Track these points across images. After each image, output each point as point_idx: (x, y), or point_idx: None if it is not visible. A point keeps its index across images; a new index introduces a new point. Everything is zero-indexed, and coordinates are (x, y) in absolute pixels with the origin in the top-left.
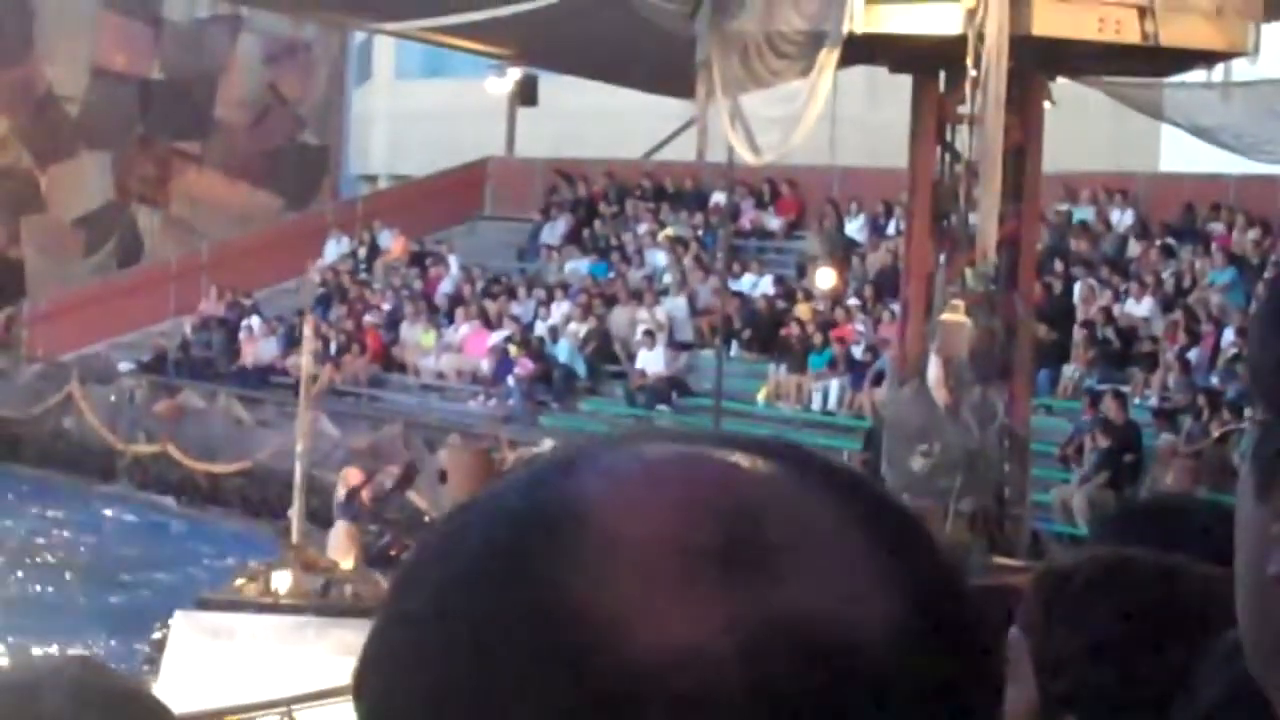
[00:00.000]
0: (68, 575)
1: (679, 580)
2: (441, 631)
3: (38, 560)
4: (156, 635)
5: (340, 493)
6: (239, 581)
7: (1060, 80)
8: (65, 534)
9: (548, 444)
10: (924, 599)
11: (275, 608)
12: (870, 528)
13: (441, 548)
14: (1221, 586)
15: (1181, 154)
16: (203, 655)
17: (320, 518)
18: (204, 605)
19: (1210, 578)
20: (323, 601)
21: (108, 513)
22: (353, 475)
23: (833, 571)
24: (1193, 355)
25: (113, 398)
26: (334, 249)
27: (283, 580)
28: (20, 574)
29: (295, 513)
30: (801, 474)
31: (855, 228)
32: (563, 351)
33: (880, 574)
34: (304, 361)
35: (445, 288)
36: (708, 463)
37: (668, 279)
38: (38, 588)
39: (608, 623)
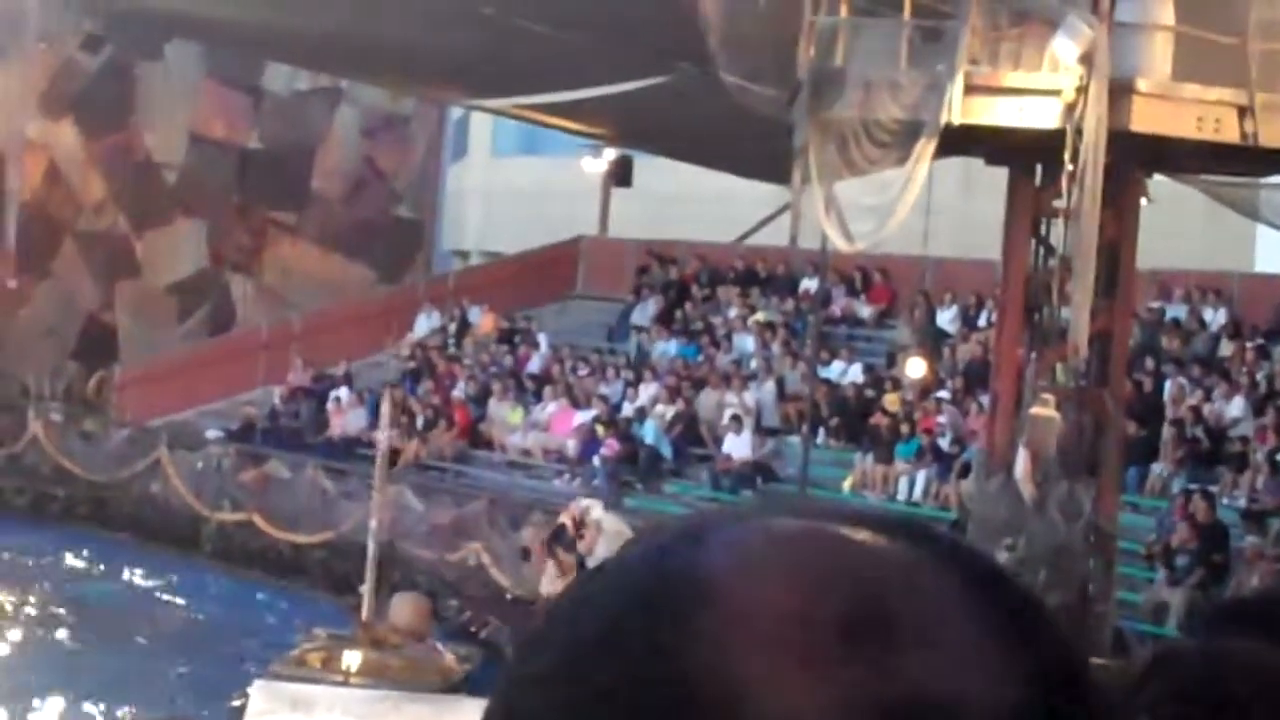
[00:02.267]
0: (149, 640)
1: (800, 655)
2: (567, 695)
3: (121, 625)
4: (235, 703)
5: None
6: (304, 649)
7: (1157, 177)
8: (148, 599)
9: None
10: (1044, 683)
11: (348, 684)
12: (993, 609)
13: (570, 613)
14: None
15: (1277, 254)
16: None
17: (401, 591)
18: (276, 676)
19: (1263, 663)
20: (398, 675)
21: (191, 579)
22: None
23: (953, 652)
24: None
25: (200, 465)
26: (424, 323)
27: (353, 658)
28: (103, 638)
29: (367, 589)
30: (926, 552)
31: (946, 318)
32: (649, 433)
33: (1001, 656)
34: (381, 436)
35: (534, 365)
36: (832, 538)
37: (756, 364)
38: (120, 653)
39: (729, 694)
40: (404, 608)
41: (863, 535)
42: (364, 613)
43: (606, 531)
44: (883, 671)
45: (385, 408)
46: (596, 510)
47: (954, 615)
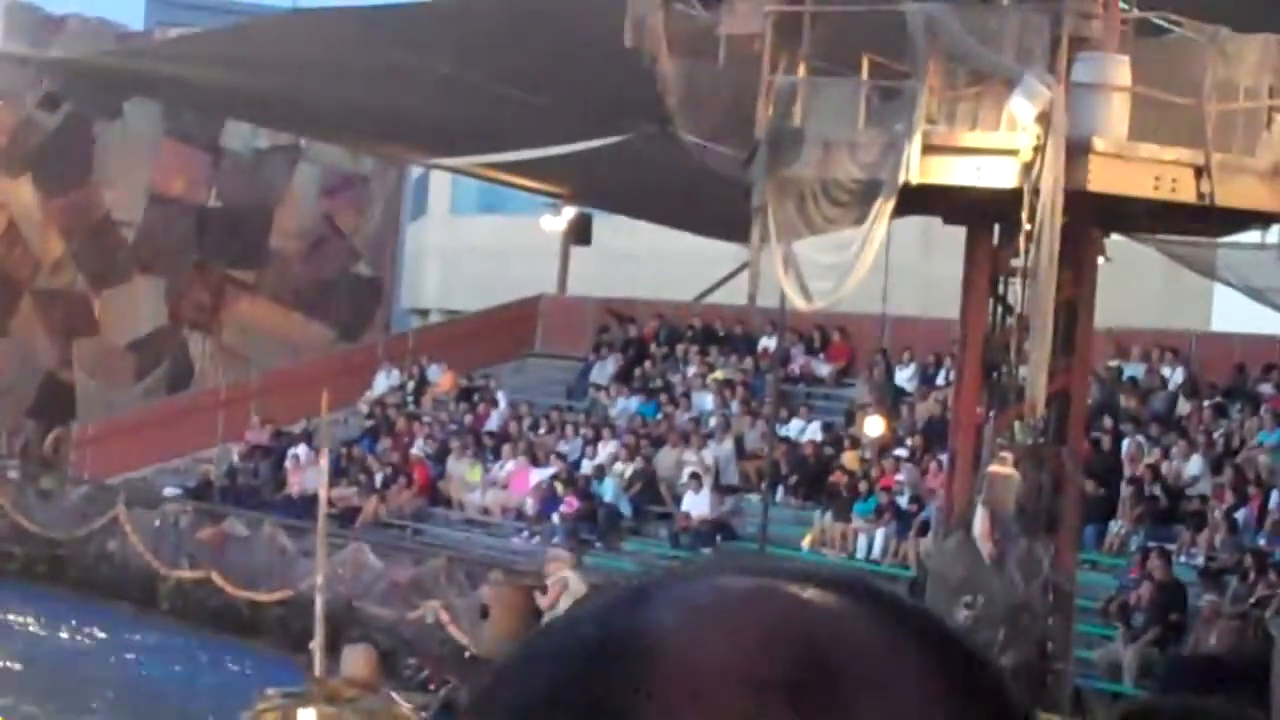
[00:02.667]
0: (107, 699)
1: (747, 715)
2: None
3: (78, 684)
4: None
5: None
6: (258, 709)
7: (1114, 236)
8: (106, 657)
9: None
10: None
11: None
12: (940, 665)
13: (517, 672)
14: None
15: (1234, 313)
16: None
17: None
18: None
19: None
20: None
21: (148, 638)
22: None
23: (899, 708)
24: (1240, 515)
25: (157, 522)
26: (383, 381)
27: (308, 716)
28: (59, 697)
29: (318, 644)
30: (872, 609)
31: (905, 377)
32: (608, 490)
33: (947, 712)
34: (321, 494)
35: (493, 423)
36: (779, 597)
37: (715, 422)
38: (77, 712)
39: None
40: (354, 659)
41: (810, 593)
42: (316, 669)
43: (572, 591)
44: None
45: (322, 464)
46: (565, 567)
47: (901, 674)
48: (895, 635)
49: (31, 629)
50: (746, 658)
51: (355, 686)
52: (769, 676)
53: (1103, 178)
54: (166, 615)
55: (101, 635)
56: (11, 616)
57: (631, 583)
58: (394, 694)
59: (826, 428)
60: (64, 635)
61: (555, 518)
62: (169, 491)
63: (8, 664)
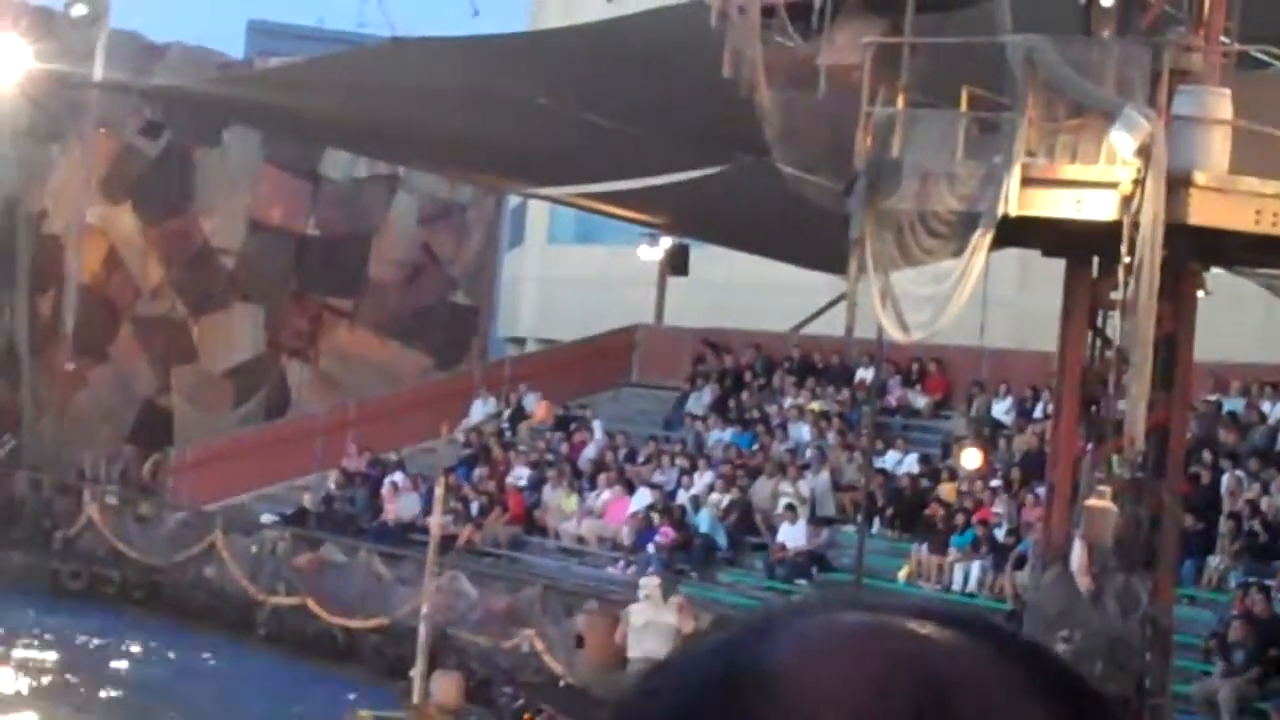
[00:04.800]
0: None
1: None
2: None
3: (174, 709)
4: None
5: None
6: None
7: (1214, 270)
8: (202, 683)
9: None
10: None
11: None
12: (1056, 703)
13: (638, 706)
14: None
15: None
16: None
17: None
18: None
19: None
20: None
21: (244, 664)
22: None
23: None
24: None
25: (254, 549)
26: (480, 410)
27: None
28: None
29: (418, 671)
30: (989, 646)
31: (1002, 409)
32: (704, 521)
33: None
34: (434, 521)
35: (589, 453)
36: (898, 635)
37: (811, 453)
38: None
39: None
40: (443, 686)
41: (928, 630)
42: (415, 695)
43: (631, 624)
44: None
45: (438, 490)
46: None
47: (1019, 709)
48: (1013, 671)
49: (128, 654)
50: (865, 695)
51: (445, 714)
52: (887, 713)
53: (1203, 211)
54: (262, 641)
55: (198, 661)
56: (108, 641)
57: (747, 618)
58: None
59: (923, 460)
60: (161, 660)
61: (650, 548)
62: (266, 518)
63: (103, 689)
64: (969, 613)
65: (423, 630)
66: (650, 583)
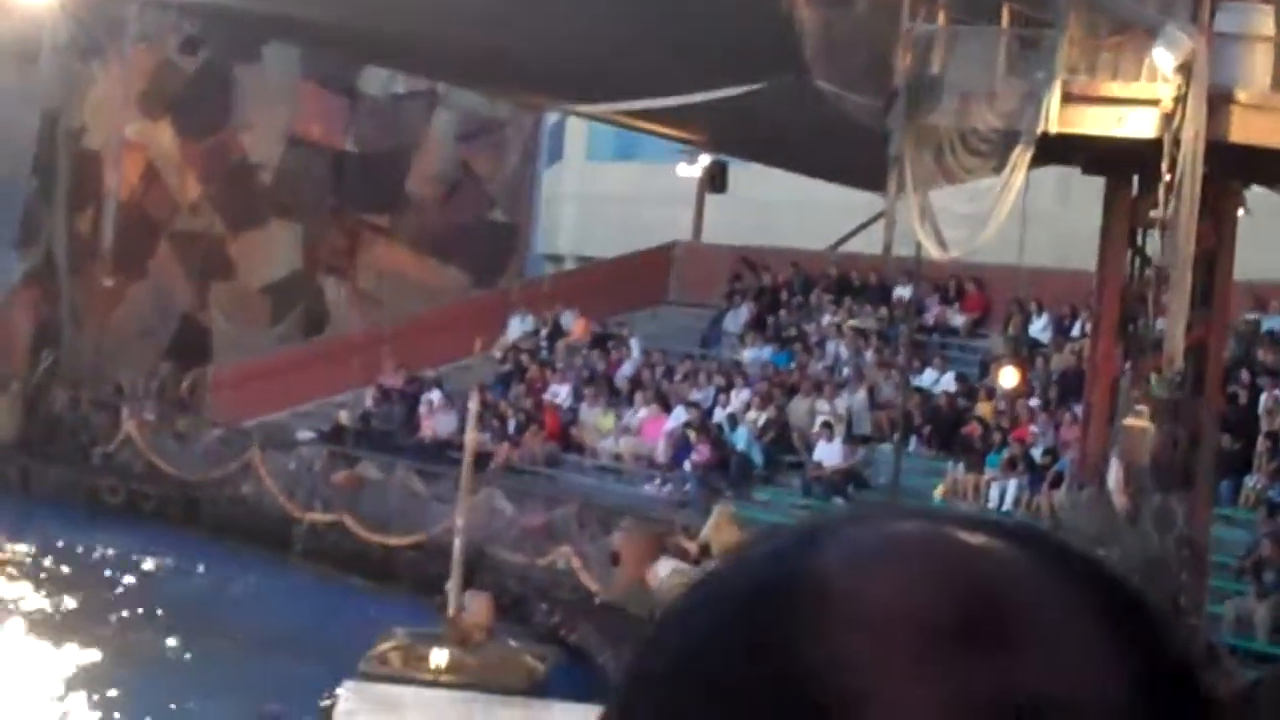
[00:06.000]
0: (239, 640)
1: (914, 657)
2: (681, 694)
3: (210, 624)
4: (324, 703)
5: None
6: (384, 647)
7: (1255, 188)
8: (239, 599)
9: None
10: (1159, 683)
11: (436, 684)
12: (1106, 612)
13: (686, 613)
14: None
15: None
16: None
17: (493, 592)
18: (364, 676)
19: None
20: (483, 674)
21: (281, 580)
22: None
23: (1066, 654)
24: None
25: (291, 466)
26: (517, 327)
27: (440, 656)
28: (193, 637)
29: (453, 587)
30: (1040, 556)
31: (1040, 328)
32: (740, 439)
33: (1114, 658)
34: (469, 438)
35: (626, 371)
36: (947, 541)
37: (848, 371)
38: (210, 652)
39: (843, 695)
40: (474, 605)
41: (979, 539)
42: (450, 610)
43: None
44: (997, 671)
45: (472, 407)
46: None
47: (1068, 616)
48: (1064, 581)
49: (166, 570)
50: (916, 601)
51: (479, 630)
52: (938, 619)
53: (1244, 129)
54: (299, 558)
55: (235, 578)
56: (145, 557)
57: (796, 527)
58: (511, 640)
59: (960, 378)
60: (198, 577)
61: (687, 465)
62: (303, 435)
63: (143, 604)
64: (1021, 524)
65: (457, 546)
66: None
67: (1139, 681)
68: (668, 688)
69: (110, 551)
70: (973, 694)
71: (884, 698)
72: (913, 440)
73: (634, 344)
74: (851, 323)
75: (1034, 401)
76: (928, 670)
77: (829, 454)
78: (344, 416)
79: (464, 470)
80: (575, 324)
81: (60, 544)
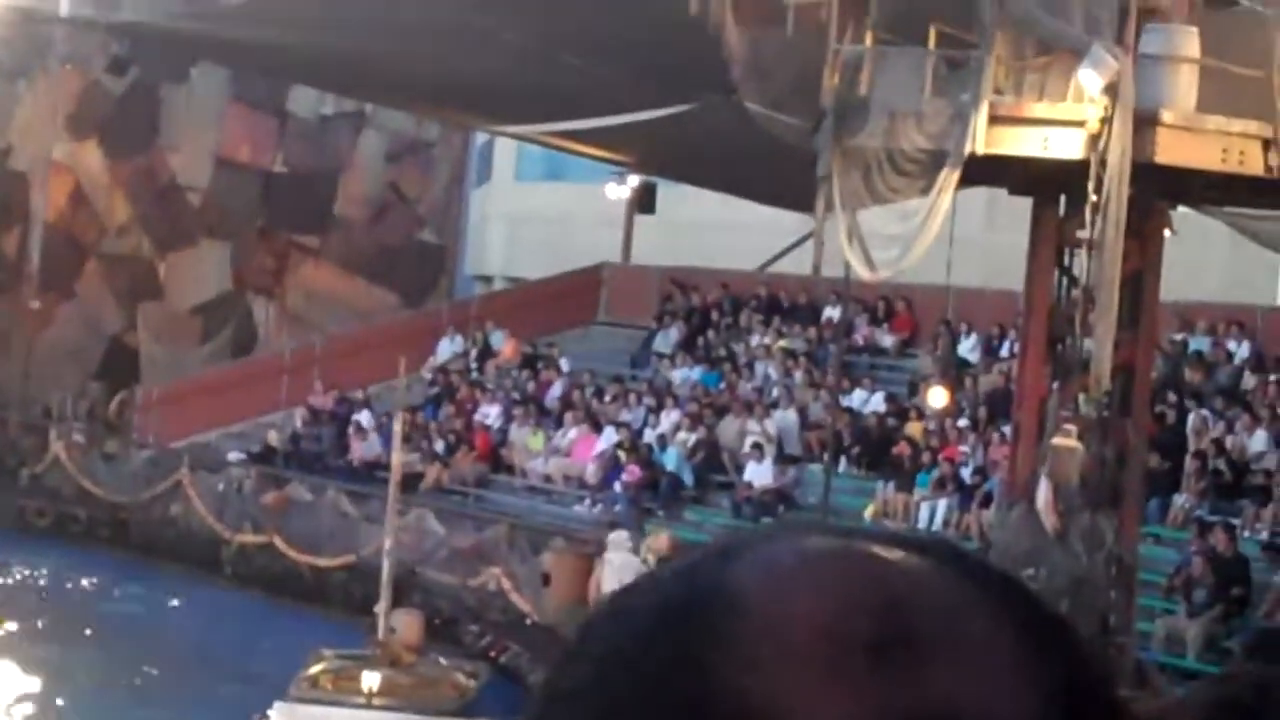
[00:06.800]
0: (169, 661)
1: (828, 670)
2: (598, 708)
3: (140, 646)
4: None
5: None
6: (314, 670)
7: (1181, 209)
8: (168, 620)
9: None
10: (1069, 700)
11: (368, 705)
12: (1019, 626)
13: (602, 629)
14: None
15: None
16: None
17: (424, 612)
18: (294, 699)
19: None
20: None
21: (211, 601)
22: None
23: (979, 668)
24: None
25: (221, 487)
26: (447, 348)
27: (372, 678)
28: (122, 659)
29: (382, 608)
30: (953, 570)
31: (968, 348)
32: (670, 459)
33: (1026, 673)
34: (395, 459)
35: (556, 391)
36: (861, 556)
37: (778, 392)
38: (139, 673)
39: (758, 709)
40: (404, 625)
41: (894, 554)
42: (380, 632)
43: (615, 566)
44: (910, 685)
45: (397, 428)
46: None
47: (979, 632)
48: (978, 598)
49: (96, 591)
50: (829, 615)
51: (408, 651)
52: (852, 633)
53: (1170, 150)
54: (229, 579)
55: (165, 598)
56: (75, 579)
57: (715, 543)
58: (441, 659)
59: (890, 398)
60: (127, 598)
61: (617, 486)
62: (233, 456)
63: (73, 625)
64: (936, 540)
65: (386, 567)
66: (619, 538)
67: (1052, 696)
68: (583, 703)
69: (39, 573)
70: (887, 708)
71: (799, 712)
72: (843, 460)
73: (564, 364)
74: (781, 343)
75: (963, 421)
76: (842, 684)
77: (759, 474)
78: (273, 437)
79: (390, 491)
80: (505, 345)
81: None
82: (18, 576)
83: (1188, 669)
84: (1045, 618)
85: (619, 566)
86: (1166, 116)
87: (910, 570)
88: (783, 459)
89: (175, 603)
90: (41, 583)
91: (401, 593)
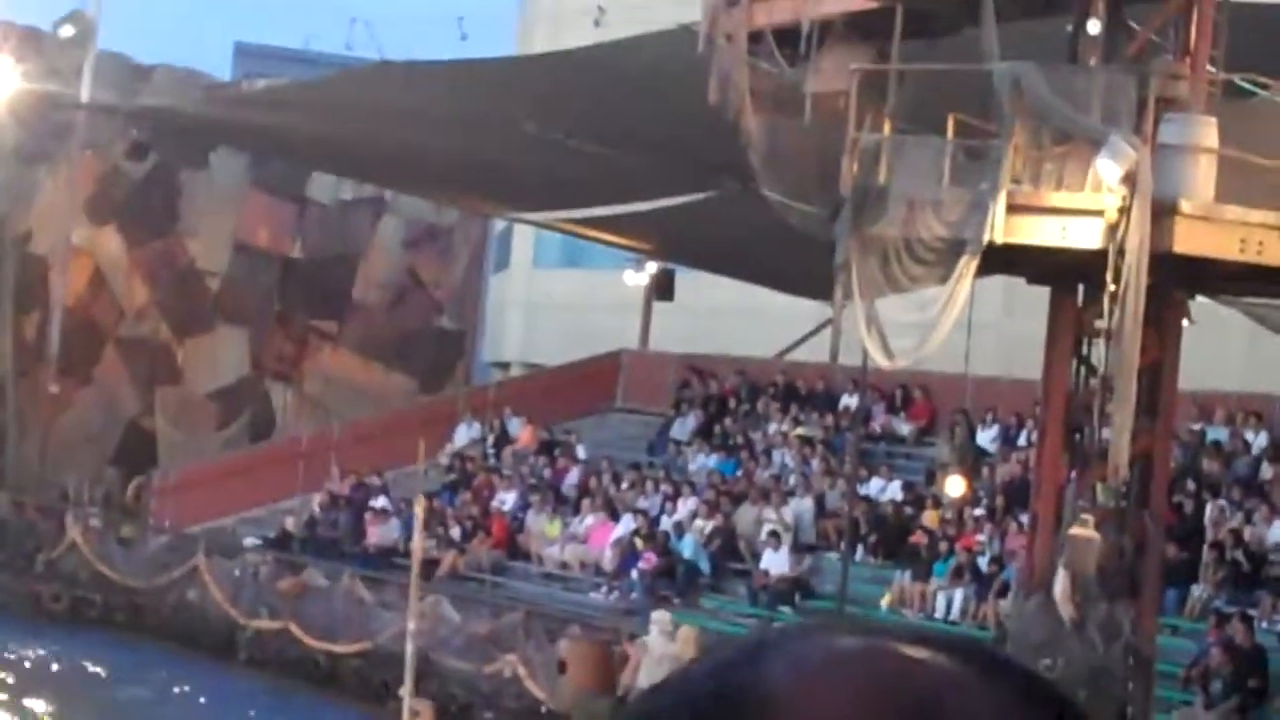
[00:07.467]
0: None
1: None
2: None
3: None
4: None
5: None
6: None
7: (1199, 298)
8: (184, 707)
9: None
10: None
11: None
12: None
13: None
14: None
15: None
16: None
17: (439, 699)
18: None
19: None
20: None
21: (226, 687)
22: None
23: None
24: None
25: (237, 572)
26: (464, 434)
27: None
28: None
29: (406, 692)
30: (981, 670)
31: (987, 437)
32: (687, 547)
33: None
34: (416, 542)
35: (572, 478)
36: (890, 656)
37: (795, 479)
38: None
39: None
40: (420, 711)
41: (922, 654)
42: (405, 715)
43: (653, 654)
44: None
45: (418, 513)
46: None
47: None
48: (1001, 694)
49: (110, 677)
50: (859, 714)
51: None
52: None
53: (1188, 239)
54: (245, 665)
55: (180, 684)
56: (90, 664)
57: (743, 641)
58: None
59: (907, 487)
60: (142, 684)
61: (634, 573)
62: (249, 541)
63: (86, 711)
64: (964, 640)
65: (410, 651)
66: (663, 617)
67: None
68: None
69: (54, 659)
70: None
71: None
72: (859, 549)
73: (581, 451)
74: (798, 431)
75: (980, 510)
76: None
77: (776, 562)
78: (290, 523)
79: (413, 575)
80: (522, 431)
81: (2, 651)
82: (33, 661)
83: None
84: (1072, 716)
85: (658, 657)
86: (1185, 206)
87: (938, 671)
88: (799, 547)
89: (190, 688)
90: (56, 668)
91: (417, 679)
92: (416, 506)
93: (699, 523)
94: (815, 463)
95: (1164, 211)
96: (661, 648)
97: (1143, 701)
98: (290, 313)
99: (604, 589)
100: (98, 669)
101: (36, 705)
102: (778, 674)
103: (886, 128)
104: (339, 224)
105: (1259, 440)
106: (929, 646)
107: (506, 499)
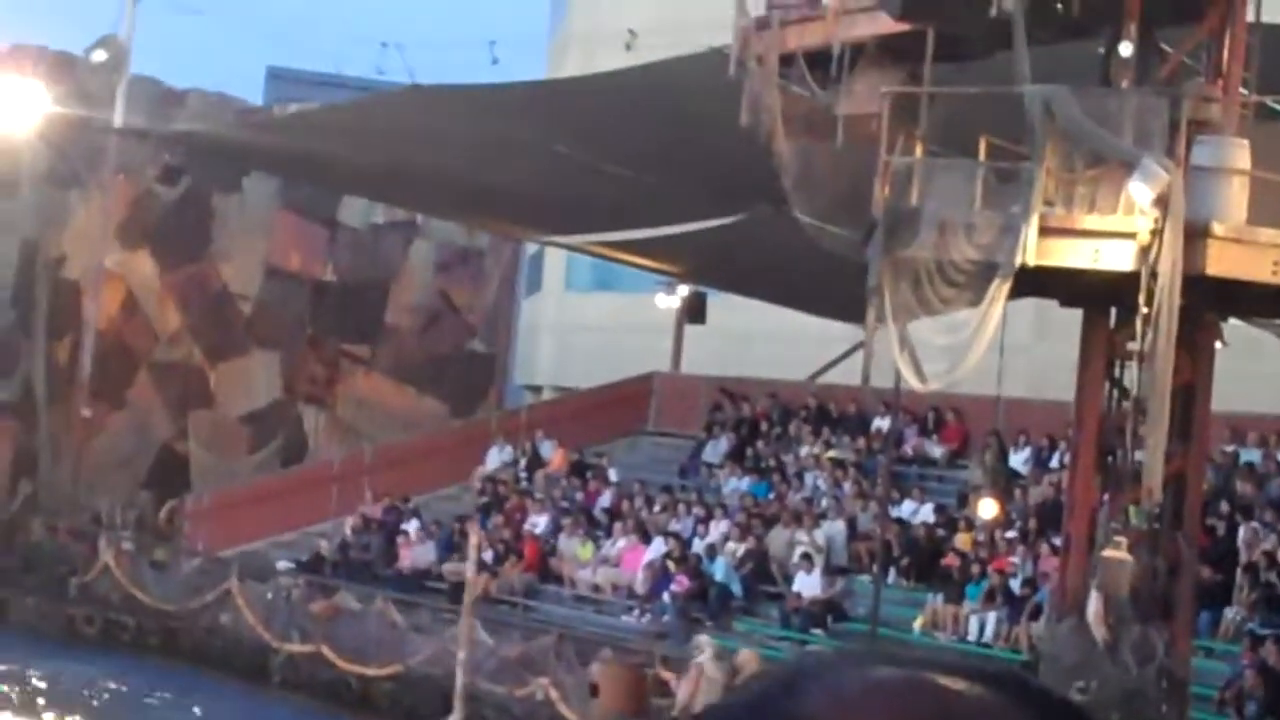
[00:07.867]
0: None
1: None
2: None
3: None
4: None
5: None
6: None
7: (1232, 321)
8: None
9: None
10: None
11: None
12: None
13: None
14: None
15: None
16: None
17: None
18: None
19: None
20: None
21: (259, 711)
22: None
23: None
24: None
25: (270, 595)
26: (496, 457)
27: None
28: None
29: (456, 717)
30: (1017, 700)
31: (1019, 459)
32: (719, 570)
33: None
34: (469, 568)
35: (604, 501)
36: (927, 688)
37: (827, 502)
38: None
39: None
40: None
41: (959, 685)
42: None
43: (709, 677)
44: None
45: (472, 539)
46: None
47: None
48: None
49: (143, 700)
50: None
51: None
52: None
53: (1221, 262)
54: (277, 688)
55: (212, 708)
56: (124, 687)
57: (782, 671)
58: None
59: (939, 509)
60: (174, 708)
61: (666, 596)
62: (282, 565)
63: None
64: (994, 667)
65: (459, 676)
66: (708, 641)
67: None
68: None
69: (86, 682)
70: None
71: None
72: (892, 571)
73: (613, 474)
74: (830, 453)
75: (1012, 533)
76: None
77: (808, 585)
78: (323, 546)
79: (465, 601)
80: (554, 454)
81: (35, 675)
82: (66, 685)
83: None
84: None
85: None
86: (1217, 228)
87: (976, 702)
88: (831, 570)
89: (223, 712)
90: (88, 692)
91: (449, 703)
92: (472, 533)
93: (731, 545)
94: (847, 485)
95: (1196, 234)
96: (714, 671)
97: None
98: (322, 336)
99: (636, 612)
100: (130, 692)
101: None
102: (814, 707)
103: (918, 150)
104: (371, 248)
105: None
106: (964, 677)
107: (538, 522)
